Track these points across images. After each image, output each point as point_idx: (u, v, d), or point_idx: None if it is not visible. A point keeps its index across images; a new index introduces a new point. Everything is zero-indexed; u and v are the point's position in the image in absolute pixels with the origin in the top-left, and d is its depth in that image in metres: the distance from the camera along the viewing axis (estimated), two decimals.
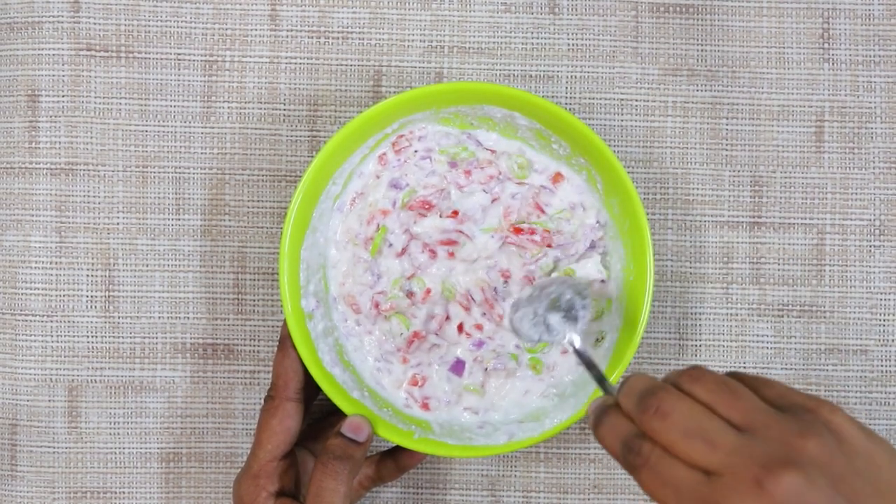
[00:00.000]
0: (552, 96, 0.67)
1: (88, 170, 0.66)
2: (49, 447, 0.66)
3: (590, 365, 0.54)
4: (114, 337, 0.66)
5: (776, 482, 0.40)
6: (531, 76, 0.67)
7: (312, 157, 0.65)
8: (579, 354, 0.56)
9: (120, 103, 0.66)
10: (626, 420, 0.45)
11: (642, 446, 0.44)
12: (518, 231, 0.62)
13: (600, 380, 0.53)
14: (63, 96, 0.66)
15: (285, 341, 0.59)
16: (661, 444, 0.43)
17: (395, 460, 0.63)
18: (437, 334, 0.62)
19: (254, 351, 0.67)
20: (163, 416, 0.67)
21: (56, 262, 0.66)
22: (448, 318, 0.63)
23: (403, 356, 0.63)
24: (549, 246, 0.62)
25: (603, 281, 0.63)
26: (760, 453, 0.41)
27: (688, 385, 0.45)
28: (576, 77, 0.67)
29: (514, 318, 0.59)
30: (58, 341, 0.66)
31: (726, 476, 0.41)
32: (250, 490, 0.58)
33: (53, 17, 0.66)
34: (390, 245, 0.63)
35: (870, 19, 0.67)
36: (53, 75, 0.66)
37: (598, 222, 0.63)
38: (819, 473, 0.41)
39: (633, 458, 0.44)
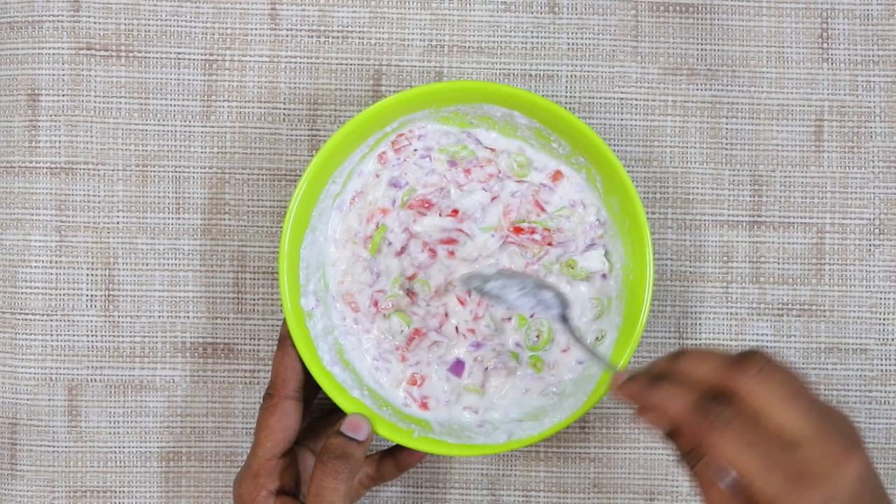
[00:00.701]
0: (552, 95, 0.67)
1: (88, 169, 0.66)
2: (49, 446, 0.66)
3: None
4: (114, 336, 0.66)
5: (855, 463, 0.43)
6: (531, 75, 0.67)
7: (312, 156, 0.65)
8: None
9: (120, 102, 0.66)
10: (687, 389, 0.46)
11: (724, 409, 0.44)
12: (518, 231, 0.62)
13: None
14: (63, 95, 0.66)
15: (285, 340, 0.59)
16: (752, 407, 0.44)
17: (394, 459, 0.63)
18: (437, 332, 0.63)
19: (254, 350, 0.67)
20: (163, 416, 0.67)
21: (56, 262, 0.66)
22: (447, 315, 0.63)
23: (402, 355, 0.63)
24: (550, 244, 0.62)
25: (604, 275, 0.63)
26: (841, 430, 0.44)
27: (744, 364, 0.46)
28: (575, 76, 0.67)
29: (490, 288, 0.59)
30: (58, 340, 0.66)
31: (818, 446, 0.43)
32: (250, 489, 0.58)
33: (53, 16, 0.66)
34: (390, 244, 0.63)
35: (868, 19, 0.67)
36: (53, 74, 0.66)
37: (597, 220, 0.63)
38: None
39: (714, 419, 0.44)
